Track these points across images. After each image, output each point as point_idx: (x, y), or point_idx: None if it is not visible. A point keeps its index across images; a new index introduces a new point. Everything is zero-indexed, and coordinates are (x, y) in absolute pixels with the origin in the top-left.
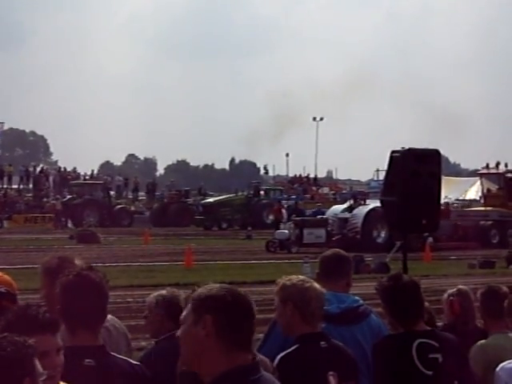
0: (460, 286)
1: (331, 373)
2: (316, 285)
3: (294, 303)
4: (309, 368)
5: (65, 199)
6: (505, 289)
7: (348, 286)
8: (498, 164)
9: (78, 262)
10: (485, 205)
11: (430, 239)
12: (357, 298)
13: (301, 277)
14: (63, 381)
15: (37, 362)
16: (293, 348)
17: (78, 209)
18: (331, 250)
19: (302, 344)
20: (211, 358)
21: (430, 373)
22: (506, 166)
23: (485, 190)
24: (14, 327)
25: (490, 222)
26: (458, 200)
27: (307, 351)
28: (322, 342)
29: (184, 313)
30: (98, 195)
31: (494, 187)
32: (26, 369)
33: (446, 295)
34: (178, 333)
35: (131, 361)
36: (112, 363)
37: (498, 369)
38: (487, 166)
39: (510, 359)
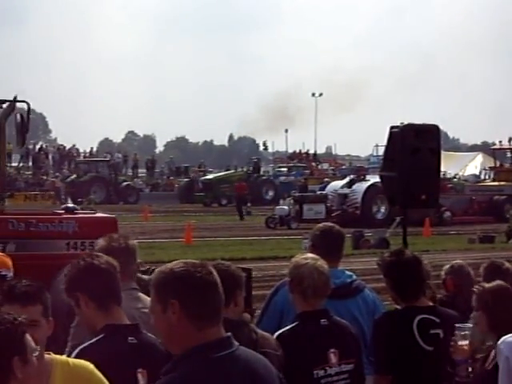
0: (454, 262)
1: (332, 350)
2: (313, 262)
3: (291, 280)
4: (307, 346)
5: (72, 177)
6: (507, 264)
7: (340, 260)
8: (510, 139)
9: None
10: (498, 180)
11: (448, 213)
12: (350, 273)
13: (309, 255)
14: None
15: (28, 339)
16: (291, 325)
17: (85, 186)
18: (323, 225)
19: (301, 321)
20: (184, 337)
21: (430, 348)
22: None
23: (497, 165)
24: (3, 299)
25: (504, 197)
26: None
27: (306, 329)
28: (323, 320)
29: (150, 303)
30: (104, 172)
31: (506, 163)
32: (15, 347)
33: (443, 272)
34: (152, 323)
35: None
36: (147, 341)
37: (499, 342)
38: (500, 142)
39: None
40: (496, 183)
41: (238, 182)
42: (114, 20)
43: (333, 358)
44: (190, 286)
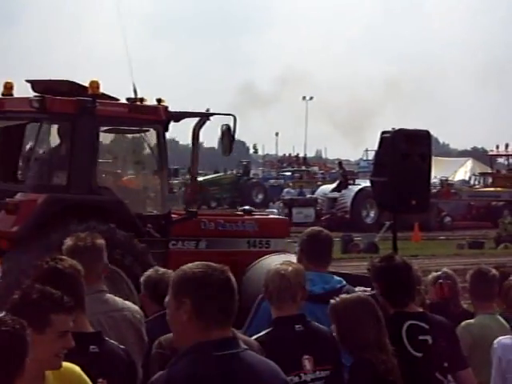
0: (445, 269)
1: (306, 356)
2: (277, 267)
3: (264, 287)
4: (281, 352)
5: None
6: (494, 271)
7: (328, 265)
8: (507, 146)
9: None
10: (494, 185)
11: (448, 218)
12: (340, 278)
13: (281, 260)
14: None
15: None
16: (265, 331)
17: None
18: (311, 229)
19: (275, 327)
20: (191, 335)
21: (419, 354)
22: None
23: (494, 171)
24: (39, 305)
25: (502, 203)
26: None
27: (279, 334)
28: (298, 326)
29: (167, 298)
30: None
31: (497, 169)
32: (27, 348)
33: (430, 277)
34: (167, 317)
35: (121, 346)
36: (109, 349)
37: (495, 342)
38: (497, 148)
39: (494, 338)
40: (493, 189)
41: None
42: (106, 21)
43: (307, 365)
44: (204, 287)
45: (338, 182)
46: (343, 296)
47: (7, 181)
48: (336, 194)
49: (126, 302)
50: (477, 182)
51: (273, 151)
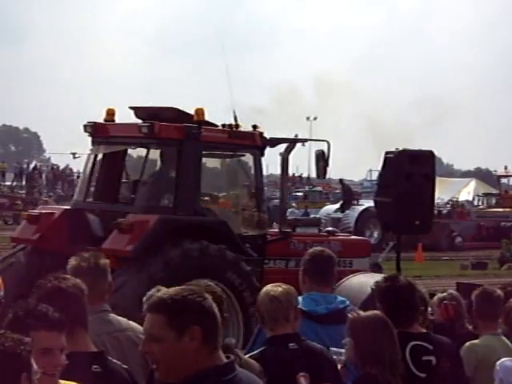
0: (451, 291)
1: (302, 374)
2: (267, 289)
3: (256, 311)
4: (275, 370)
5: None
6: (499, 292)
7: (331, 285)
8: None
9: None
10: (502, 206)
11: (459, 239)
12: (343, 298)
13: (274, 284)
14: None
15: (32, 361)
16: (259, 350)
17: None
18: (313, 250)
19: (269, 346)
20: (196, 362)
21: (423, 375)
22: None
23: (502, 192)
24: (22, 322)
25: (510, 223)
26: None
27: (273, 353)
28: (291, 344)
29: (153, 329)
30: None
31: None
32: (23, 364)
33: (436, 298)
34: (148, 349)
35: (123, 366)
36: (112, 369)
37: (497, 363)
38: (505, 169)
39: (499, 359)
40: (501, 209)
41: None
42: (108, 40)
43: (303, 382)
44: (208, 312)
45: (341, 202)
46: (363, 312)
47: (109, 202)
48: (339, 214)
49: (130, 323)
50: (480, 203)
51: (277, 171)
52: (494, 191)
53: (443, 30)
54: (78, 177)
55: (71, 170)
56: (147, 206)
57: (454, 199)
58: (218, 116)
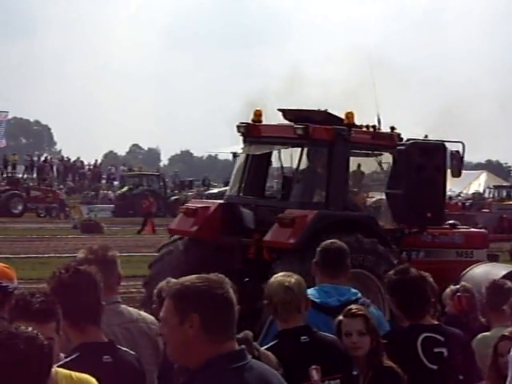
0: (464, 283)
1: (314, 366)
2: (280, 279)
3: (267, 300)
4: (287, 363)
5: (123, 189)
6: (509, 284)
7: (343, 276)
8: None
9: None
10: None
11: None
12: (356, 290)
13: (283, 273)
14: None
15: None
16: (270, 344)
17: (136, 199)
18: (331, 242)
19: (280, 340)
20: (198, 350)
21: (434, 367)
22: None
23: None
24: (13, 314)
25: None
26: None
27: (285, 346)
28: (303, 337)
29: (164, 313)
30: (155, 186)
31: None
32: (45, 356)
33: (449, 290)
34: (161, 332)
35: (132, 352)
36: (124, 359)
37: (510, 354)
38: None
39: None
40: None
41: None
42: (121, 35)
43: (315, 375)
44: (211, 301)
45: None
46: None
47: (258, 197)
48: None
49: (142, 313)
50: (491, 195)
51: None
52: (505, 183)
53: (456, 21)
54: (90, 170)
55: (82, 162)
56: (301, 202)
57: (476, 192)
58: (229, 104)
